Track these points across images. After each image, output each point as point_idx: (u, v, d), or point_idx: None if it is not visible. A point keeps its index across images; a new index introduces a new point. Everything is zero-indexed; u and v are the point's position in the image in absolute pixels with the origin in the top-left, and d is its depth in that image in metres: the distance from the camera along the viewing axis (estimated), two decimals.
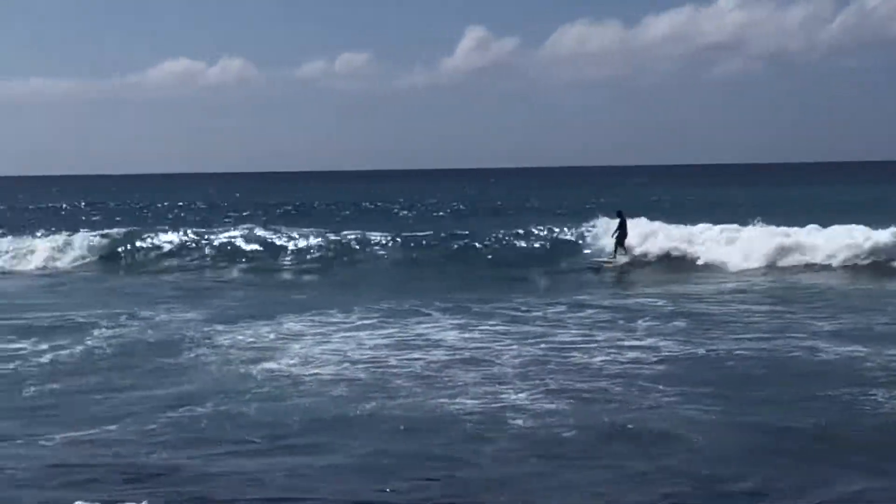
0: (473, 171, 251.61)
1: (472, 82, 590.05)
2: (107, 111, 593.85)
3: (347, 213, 72.81)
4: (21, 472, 11.78)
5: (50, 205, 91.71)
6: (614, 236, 34.97)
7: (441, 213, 70.63)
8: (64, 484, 11.30)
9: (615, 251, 34.73)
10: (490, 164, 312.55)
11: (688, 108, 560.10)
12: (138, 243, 41.80)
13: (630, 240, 34.74)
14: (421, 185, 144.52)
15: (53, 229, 45.72)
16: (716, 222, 36.67)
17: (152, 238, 42.08)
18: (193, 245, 41.35)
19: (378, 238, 40.66)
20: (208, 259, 39.60)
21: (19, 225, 54.88)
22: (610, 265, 34.11)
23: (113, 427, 13.80)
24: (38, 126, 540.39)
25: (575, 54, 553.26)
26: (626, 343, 19.58)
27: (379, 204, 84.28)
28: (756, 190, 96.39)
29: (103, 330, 22.05)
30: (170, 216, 69.87)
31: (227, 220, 63.57)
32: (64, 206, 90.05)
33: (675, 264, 33.91)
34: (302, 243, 40.32)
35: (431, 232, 42.84)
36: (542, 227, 40.97)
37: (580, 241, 38.26)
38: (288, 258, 39.00)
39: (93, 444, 13.05)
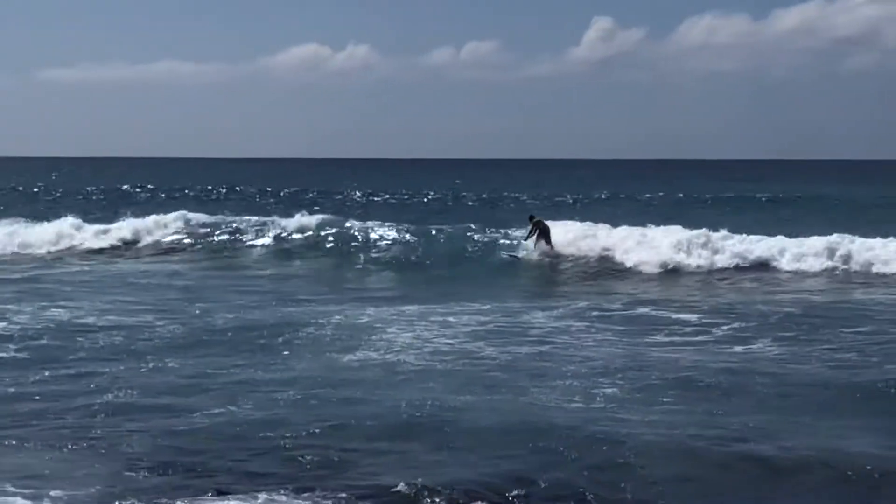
0: (598, 162, 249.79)
1: (598, 73, 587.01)
2: (234, 95, 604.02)
3: (473, 203, 72.58)
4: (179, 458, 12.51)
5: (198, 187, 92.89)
6: (528, 240, 36.26)
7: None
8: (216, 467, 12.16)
9: (535, 246, 35.90)
10: (615, 156, 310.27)
11: (818, 103, 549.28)
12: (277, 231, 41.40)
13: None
14: (553, 175, 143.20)
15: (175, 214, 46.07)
16: None
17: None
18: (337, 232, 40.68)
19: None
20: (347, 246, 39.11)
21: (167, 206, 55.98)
22: (535, 254, 35.69)
23: (235, 408, 14.74)
24: (166, 109, 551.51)
25: (702, 47, 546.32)
26: (720, 342, 20.11)
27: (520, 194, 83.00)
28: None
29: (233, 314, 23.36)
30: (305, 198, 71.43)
31: (349, 205, 64.82)
32: (196, 188, 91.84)
33: None
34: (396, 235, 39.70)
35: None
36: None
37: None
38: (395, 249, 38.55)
39: (227, 424, 13.95)
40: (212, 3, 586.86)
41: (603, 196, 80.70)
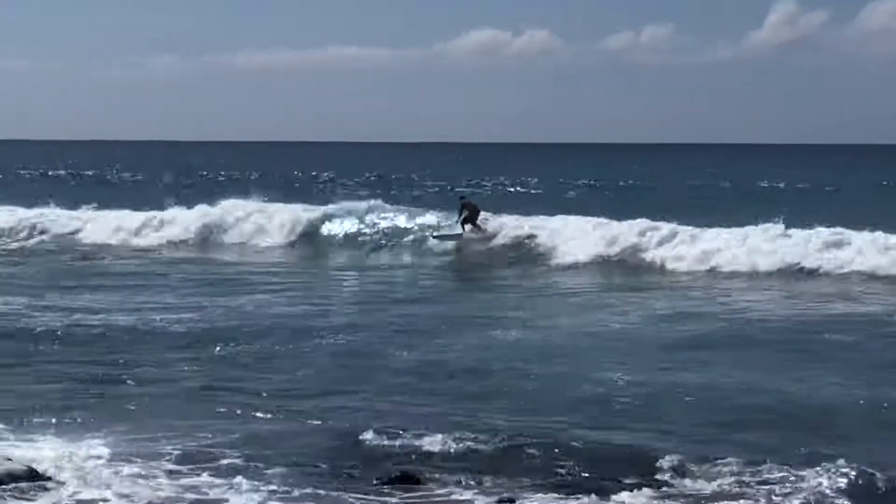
0: (781, 147, 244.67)
1: (779, 56, 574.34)
2: (412, 80, 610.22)
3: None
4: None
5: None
6: (458, 221, 36.25)
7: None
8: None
9: (463, 229, 35.99)
10: (796, 140, 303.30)
11: None
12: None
13: None
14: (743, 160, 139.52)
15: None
16: None
17: None
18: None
19: None
20: None
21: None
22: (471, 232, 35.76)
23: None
24: (343, 95, 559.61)
25: (887, 29, 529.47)
26: None
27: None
28: None
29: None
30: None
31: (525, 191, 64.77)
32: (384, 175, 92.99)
33: None
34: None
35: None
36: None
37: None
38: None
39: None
40: None
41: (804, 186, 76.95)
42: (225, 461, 12.24)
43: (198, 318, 21.54)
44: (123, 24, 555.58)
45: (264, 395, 15.46)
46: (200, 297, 24.52)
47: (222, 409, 14.58)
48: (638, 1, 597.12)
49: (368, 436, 13.07)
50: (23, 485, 11.06)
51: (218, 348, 18.40)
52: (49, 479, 11.33)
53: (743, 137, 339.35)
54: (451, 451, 12.56)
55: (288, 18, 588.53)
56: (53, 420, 13.81)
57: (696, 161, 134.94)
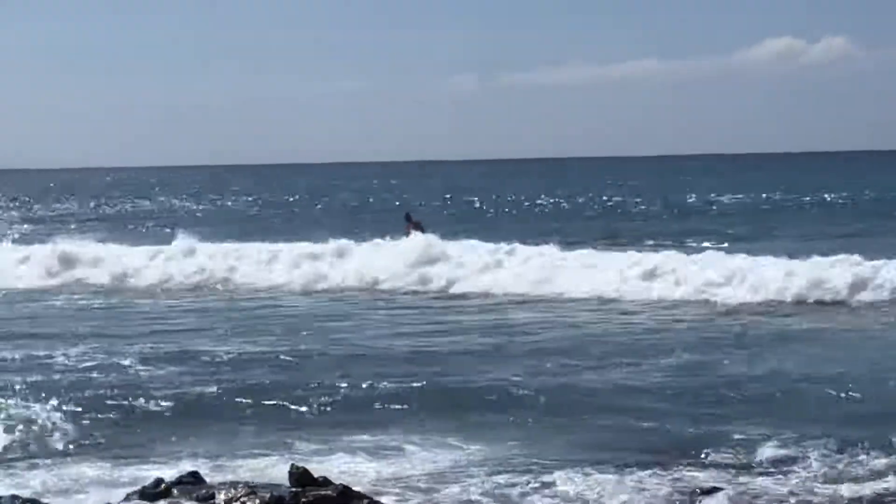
0: None
1: None
2: (706, 91, 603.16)
3: None
4: None
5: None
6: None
7: None
8: None
9: None
10: None
11: None
12: None
13: None
14: None
15: None
16: None
17: None
18: None
19: None
20: None
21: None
22: None
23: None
24: (641, 105, 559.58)
25: None
26: None
27: None
28: None
29: None
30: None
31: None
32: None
33: None
34: None
35: None
36: None
37: None
38: None
39: None
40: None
41: None
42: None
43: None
44: (424, 45, 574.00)
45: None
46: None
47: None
48: None
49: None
50: None
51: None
52: (365, 497, 10.94)
53: None
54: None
55: (582, 34, 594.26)
56: (366, 436, 14.04)
57: None
